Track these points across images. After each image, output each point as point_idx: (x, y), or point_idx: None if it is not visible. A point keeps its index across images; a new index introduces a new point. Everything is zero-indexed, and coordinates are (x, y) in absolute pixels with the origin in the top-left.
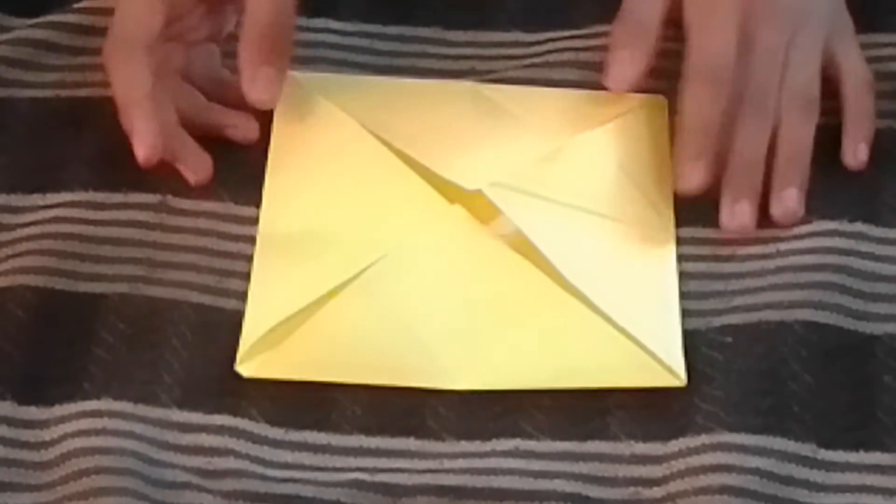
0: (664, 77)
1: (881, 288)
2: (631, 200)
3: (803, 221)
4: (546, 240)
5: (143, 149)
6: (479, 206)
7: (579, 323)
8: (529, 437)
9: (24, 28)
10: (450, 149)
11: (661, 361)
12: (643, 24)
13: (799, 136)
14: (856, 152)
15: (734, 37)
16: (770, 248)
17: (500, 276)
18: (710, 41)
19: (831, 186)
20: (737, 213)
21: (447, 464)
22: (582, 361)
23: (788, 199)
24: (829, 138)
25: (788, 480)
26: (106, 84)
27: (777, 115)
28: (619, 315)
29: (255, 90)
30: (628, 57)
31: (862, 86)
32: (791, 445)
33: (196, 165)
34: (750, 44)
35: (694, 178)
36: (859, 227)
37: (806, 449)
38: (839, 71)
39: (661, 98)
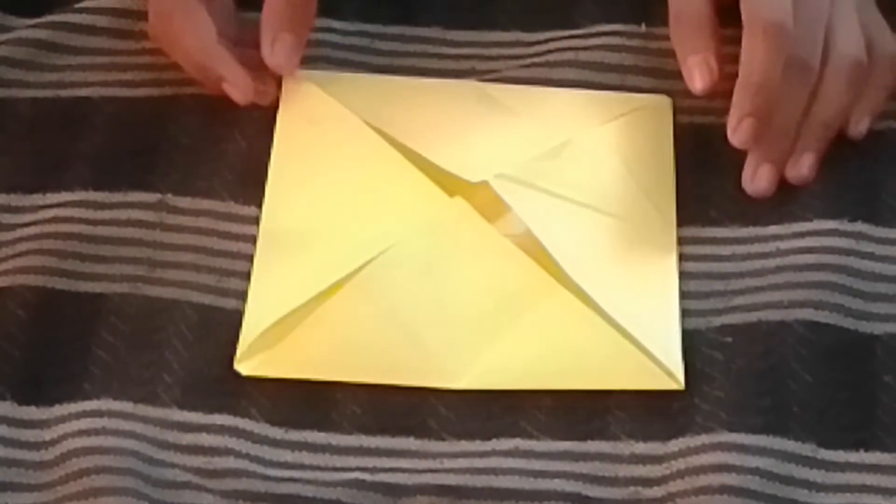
0: (668, 77)
1: (881, 288)
2: (634, 199)
3: (804, 220)
4: (549, 235)
5: (241, 92)
6: (482, 202)
7: (580, 323)
8: (529, 436)
9: (25, 28)
10: (453, 144)
11: (661, 364)
12: (701, 21)
13: (839, 103)
14: (858, 123)
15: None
16: (770, 247)
17: (501, 272)
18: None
19: (832, 186)
20: (758, 177)
21: (447, 463)
22: (581, 362)
23: (804, 165)
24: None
25: (788, 480)
26: (106, 84)
27: (819, 76)
28: (620, 316)
29: (273, 54)
30: (702, 60)
31: (889, 60)
32: (791, 445)
33: (239, 82)
34: (796, 4)
35: (741, 134)
36: (860, 226)
37: (806, 448)
38: (871, 41)
39: (665, 98)
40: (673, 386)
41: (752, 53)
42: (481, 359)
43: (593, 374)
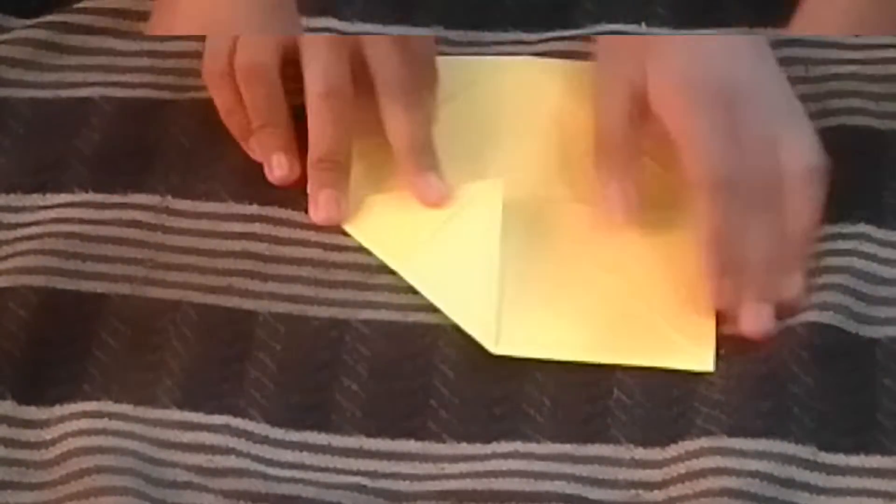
0: None
1: (883, 291)
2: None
3: None
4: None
5: (280, 173)
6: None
7: (618, 301)
8: (530, 439)
9: (24, 28)
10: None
11: (692, 345)
12: (623, 147)
13: (807, 215)
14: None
15: (726, 136)
16: None
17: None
18: (704, 146)
19: (834, 189)
20: (761, 317)
21: (448, 468)
22: (617, 337)
23: (792, 286)
24: (832, 142)
25: (789, 483)
26: (106, 84)
27: (782, 199)
28: (656, 300)
29: (318, 210)
30: (619, 189)
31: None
32: (791, 448)
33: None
34: (736, 135)
35: (722, 296)
36: (863, 227)
37: (806, 452)
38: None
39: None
40: (703, 367)
41: (707, 216)
42: (521, 325)
43: (627, 350)
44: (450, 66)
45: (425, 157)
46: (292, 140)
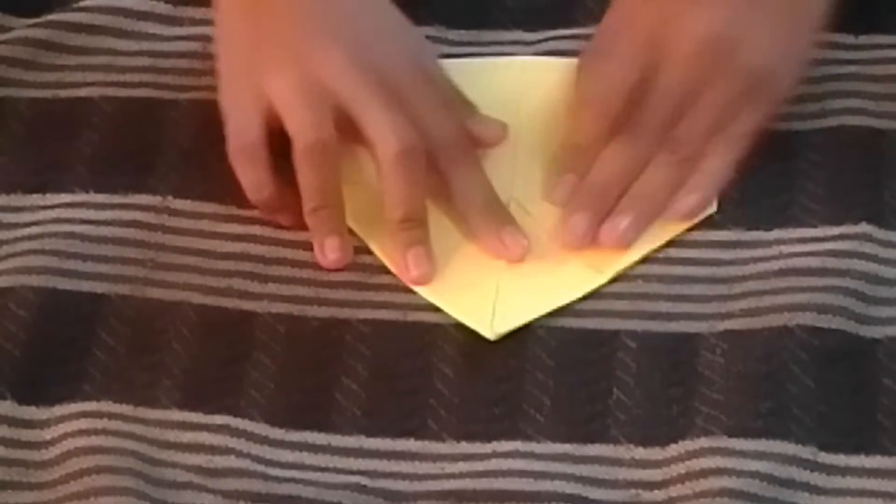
0: None
1: (883, 291)
2: None
3: (808, 226)
4: None
5: (334, 257)
6: None
7: None
8: (530, 438)
9: (24, 28)
10: None
11: None
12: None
13: (661, 173)
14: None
15: (630, 70)
16: (773, 251)
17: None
18: (605, 69)
19: (835, 189)
20: (572, 224)
21: (448, 468)
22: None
23: (615, 226)
24: (833, 142)
25: (789, 483)
26: (106, 84)
27: (654, 148)
28: None
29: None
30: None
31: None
32: (791, 448)
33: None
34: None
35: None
36: (864, 227)
37: (806, 452)
38: None
39: None
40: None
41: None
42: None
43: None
44: (448, 67)
45: (500, 212)
46: (344, 221)
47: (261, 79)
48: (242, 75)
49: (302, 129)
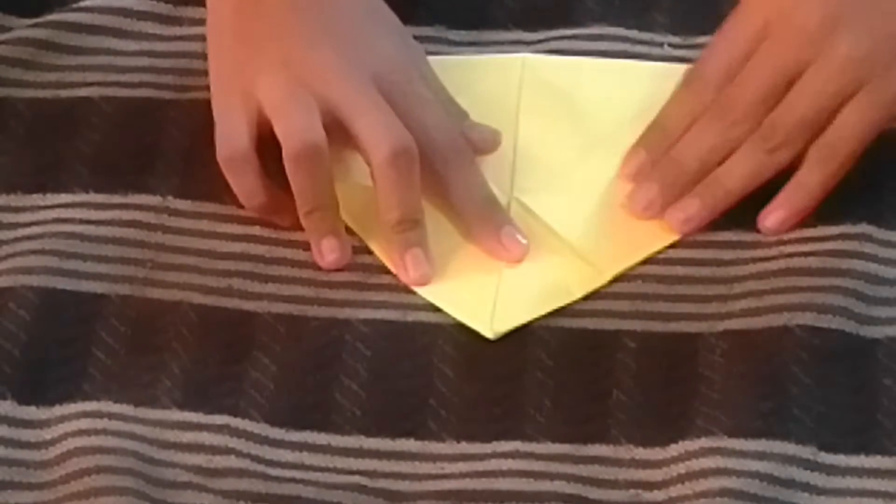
0: None
1: (884, 291)
2: None
3: (808, 226)
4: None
5: (333, 257)
6: None
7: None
8: (530, 439)
9: (24, 28)
10: None
11: None
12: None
13: (745, 162)
14: (768, 219)
15: (729, 50)
16: (773, 252)
17: None
18: (710, 50)
19: (835, 190)
20: (640, 193)
21: (448, 468)
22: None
23: (682, 210)
24: None
25: (789, 484)
26: (106, 84)
27: (746, 127)
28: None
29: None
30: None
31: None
32: (791, 448)
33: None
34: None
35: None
36: (864, 227)
37: (806, 452)
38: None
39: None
40: None
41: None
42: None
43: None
44: (447, 67)
45: (498, 212)
46: (341, 221)
47: (251, 84)
48: (232, 81)
49: (291, 133)
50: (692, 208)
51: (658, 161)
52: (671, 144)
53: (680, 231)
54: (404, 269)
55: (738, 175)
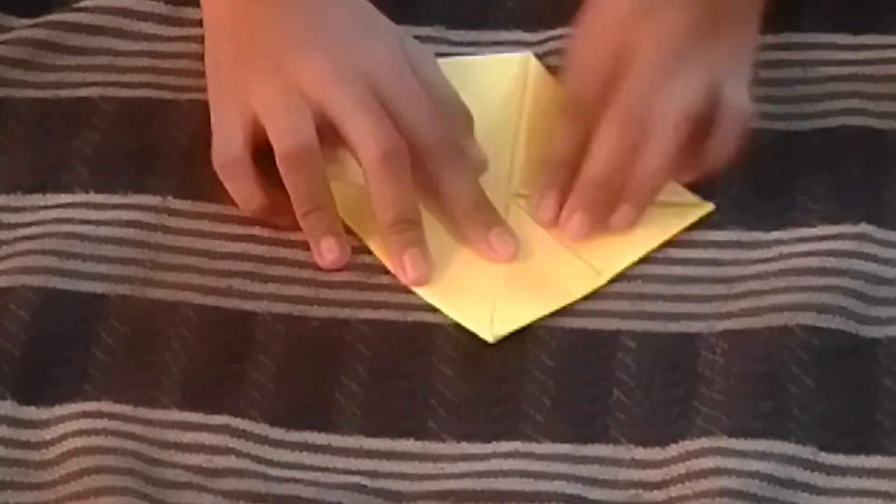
0: None
1: (884, 291)
2: None
3: (808, 226)
4: None
5: (332, 257)
6: None
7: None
8: (530, 439)
9: (25, 28)
10: None
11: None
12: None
13: (657, 153)
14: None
15: (598, 71)
16: (773, 252)
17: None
18: (578, 69)
19: (835, 189)
20: (571, 224)
21: (448, 468)
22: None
23: (619, 217)
24: (833, 142)
25: (789, 483)
26: (106, 84)
27: (645, 128)
28: None
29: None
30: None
31: (732, 112)
32: (791, 448)
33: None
34: (631, 58)
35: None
36: (864, 227)
37: (806, 452)
38: (718, 92)
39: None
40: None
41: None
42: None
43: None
44: (448, 65)
45: (488, 213)
46: (339, 221)
47: (245, 91)
48: (229, 92)
49: (281, 135)
50: (631, 212)
51: (575, 190)
52: (573, 172)
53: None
54: (403, 269)
55: (653, 169)
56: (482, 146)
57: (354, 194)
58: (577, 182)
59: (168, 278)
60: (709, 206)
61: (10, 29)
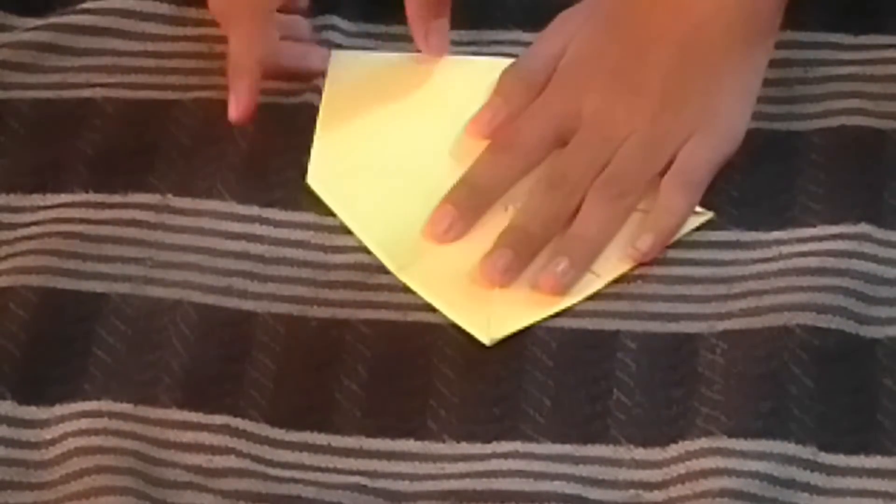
0: None
1: (884, 291)
2: None
3: (807, 226)
4: None
5: (237, 113)
6: None
7: None
8: (529, 439)
9: (27, 31)
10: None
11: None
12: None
13: (592, 219)
14: (639, 241)
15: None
16: (773, 252)
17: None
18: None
19: (835, 189)
20: (494, 266)
21: (448, 468)
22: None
23: (551, 272)
24: (833, 142)
25: (789, 484)
26: (108, 85)
27: (582, 190)
28: None
29: (430, 45)
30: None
31: (677, 185)
32: (791, 448)
33: (241, 104)
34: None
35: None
36: (863, 227)
37: (807, 452)
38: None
39: None
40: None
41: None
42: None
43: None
44: (448, 64)
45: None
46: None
47: None
48: None
49: None
50: (563, 265)
51: (506, 228)
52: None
53: (555, 292)
54: (426, 43)
55: (595, 224)
56: (473, 148)
57: (362, 192)
58: (507, 227)
59: (168, 277)
60: (709, 215)
61: (12, 28)
